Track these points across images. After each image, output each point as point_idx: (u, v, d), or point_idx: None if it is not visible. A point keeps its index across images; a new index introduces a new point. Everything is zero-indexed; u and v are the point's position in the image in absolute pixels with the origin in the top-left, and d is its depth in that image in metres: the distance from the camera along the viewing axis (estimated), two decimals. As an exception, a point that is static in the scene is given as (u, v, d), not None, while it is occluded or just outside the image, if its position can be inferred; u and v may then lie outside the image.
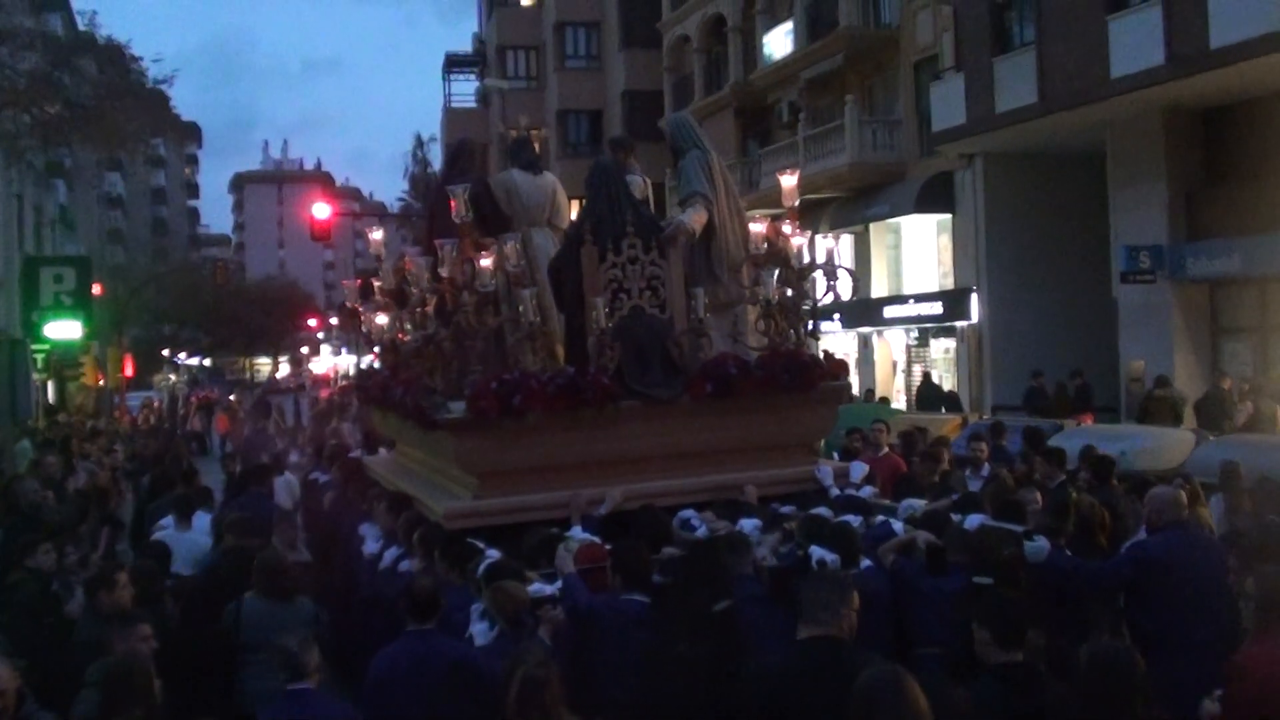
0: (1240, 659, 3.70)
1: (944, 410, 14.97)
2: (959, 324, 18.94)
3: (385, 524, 6.24)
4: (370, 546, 6.23)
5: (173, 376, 49.86)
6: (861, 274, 20.59)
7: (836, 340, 20.87)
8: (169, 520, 7.21)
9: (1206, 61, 12.35)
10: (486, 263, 5.78)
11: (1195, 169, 14.67)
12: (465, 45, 42.83)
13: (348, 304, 8.51)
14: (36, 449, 12.01)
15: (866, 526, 5.48)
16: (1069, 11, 14.47)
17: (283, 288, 63.91)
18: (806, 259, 6.29)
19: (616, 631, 4.48)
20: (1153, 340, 14.71)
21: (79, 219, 36.45)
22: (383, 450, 9.18)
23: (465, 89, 40.26)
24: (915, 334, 21.39)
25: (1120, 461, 7.58)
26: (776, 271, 6.23)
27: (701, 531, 5.49)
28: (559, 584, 4.66)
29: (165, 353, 49.28)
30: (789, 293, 6.25)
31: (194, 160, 74.81)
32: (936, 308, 19.45)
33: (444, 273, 5.90)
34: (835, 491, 6.15)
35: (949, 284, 19.57)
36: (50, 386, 23.71)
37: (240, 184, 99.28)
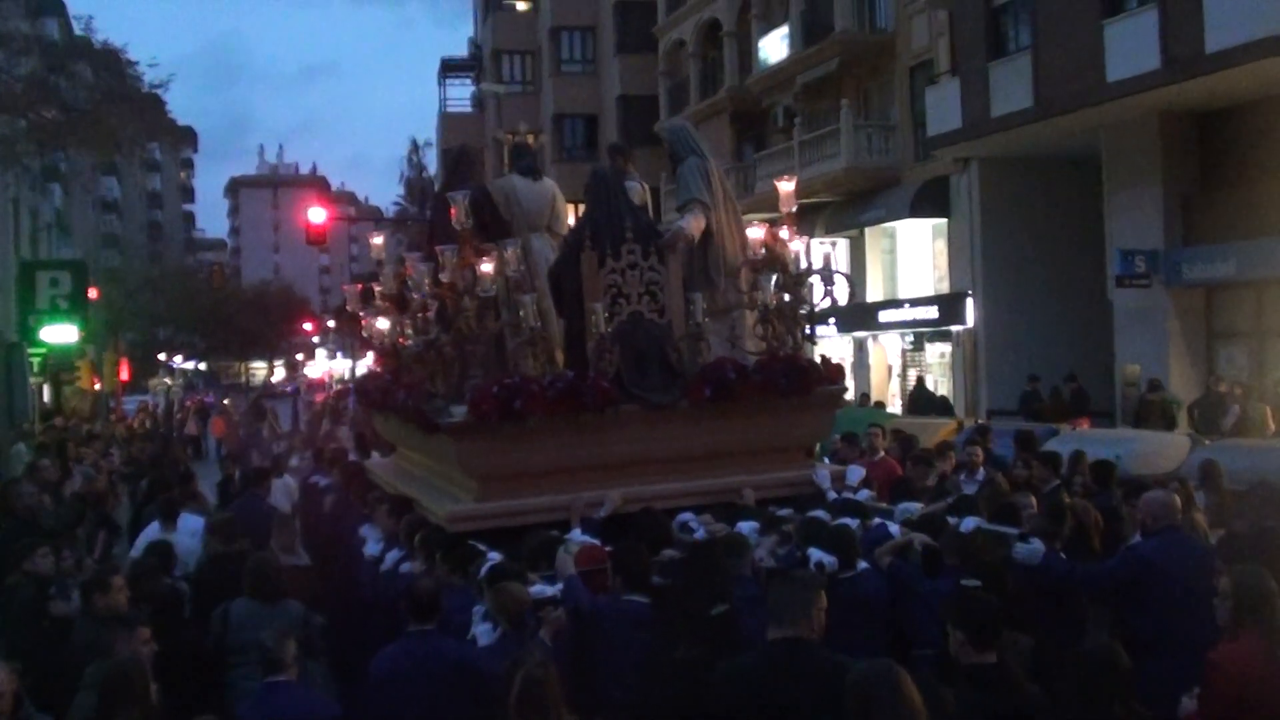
0: (1215, 657, 3.74)
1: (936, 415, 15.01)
2: (954, 328, 19.01)
3: (386, 526, 6.28)
4: (371, 548, 6.26)
5: (168, 380, 49.77)
6: (857, 278, 20.63)
7: (832, 345, 20.92)
8: (154, 526, 7.17)
9: (1202, 65, 12.40)
10: (487, 268, 5.82)
11: (1191, 173, 14.75)
12: (461, 50, 42.98)
13: (349, 308, 8.54)
14: (33, 452, 12.01)
15: (863, 529, 5.52)
16: (1064, 16, 14.55)
17: (278, 292, 63.90)
18: (804, 264, 6.34)
19: (617, 632, 4.52)
20: (1148, 344, 14.77)
21: (75, 223, 36.45)
22: (375, 454, 9.21)
23: (461, 94, 40.47)
24: (911, 338, 21.46)
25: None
26: (774, 277, 6.27)
27: (700, 534, 5.53)
28: (560, 586, 4.69)
29: (161, 357, 49.21)
30: (786, 298, 6.29)
31: (190, 164, 74.78)
32: (932, 312, 19.52)
33: (445, 278, 5.94)
34: (833, 495, 6.19)
35: (944, 288, 19.65)
36: (46, 390, 23.67)
37: (236, 188, 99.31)
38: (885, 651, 4.36)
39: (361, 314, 8.14)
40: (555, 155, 30.79)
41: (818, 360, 6.56)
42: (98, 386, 27.46)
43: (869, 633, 4.80)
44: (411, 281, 6.42)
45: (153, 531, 7.05)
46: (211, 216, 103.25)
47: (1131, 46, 13.27)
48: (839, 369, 6.71)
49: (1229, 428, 11.60)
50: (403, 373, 6.98)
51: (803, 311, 6.39)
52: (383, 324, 7.69)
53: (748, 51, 25.04)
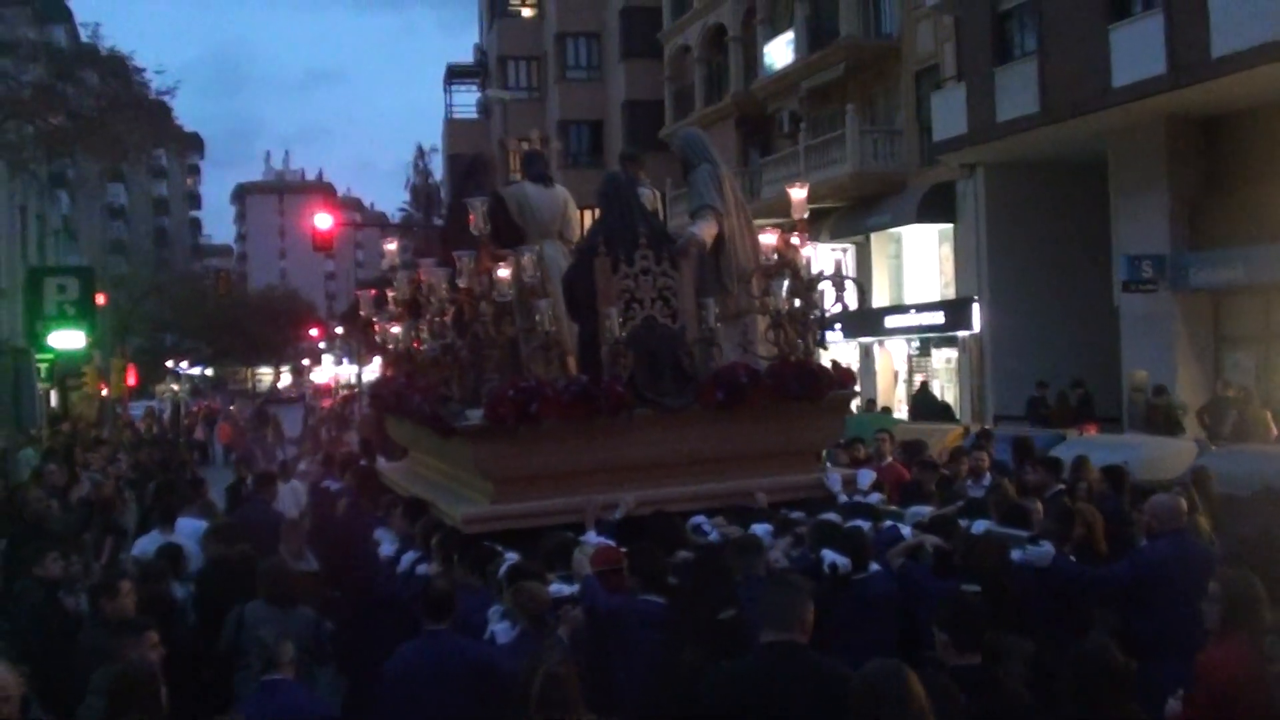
0: (1204, 659, 3.78)
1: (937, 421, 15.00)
2: (960, 334, 19.02)
3: (401, 528, 6.34)
4: (386, 550, 6.33)
5: (175, 386, 49.78)
6: (862, 284, 20.66)
7: (838, 350, 20.94)
8: (154, 533, 7.15)
9: (1208, 70, 12.41)
10: (504, 274, 5.90)
11: (1197, 178, 14.74)
12: (466, 56, 42.94)
13: (362, 314, 8.63)
14: (40, 458, 12.04)
15: (875, 531, 5.57)
16: (1070, 21, 14.59)
17: (284, 298, 63.95)
18: (815, 270, 6.41)
19: (632, 632, 4.57)
20: (1155, 350, 14.76)
21: (82, 230, 36.55)
22: (381, 459, 9.26)
23: (467, 100, 40.40)
24: (917, 344, 21.47)
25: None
26: (786, 282, 6.33)
27: (714, 537, 5.59)
28: (577, 585, 4.76)
29: (169, 363, 49.22)
30: (798, 303, 6.36)
31: (196, 171, 74.83)
32: (938, 317, 19.54)
33: (462, 283, 6.02)
34: (844, 499, 6.25)
35: (950, 294, 19.66)
36: (53, 396, 23.73)
37: (242, 194, 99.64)
38: (896, 652, 4.40)
39: (375, 319, 8.23)
40: (561, 161, 30.75)
41: (829, 365, 6.62)
42: (105, 392, 27.51)
43: (880, 633, 4.83)
44: (427, 286, 6.49)
45: (150, 538, 7.00)
46: (218, 223, 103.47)
47: (1137, 51, 13.30)
48: (850, 373, 6.77)
49: (1227, 432, 11.62)
50: (418, 377, 7.06)
51: (814, 316, 6.45)
52: (396, 329, 7.77)
53: (753, 57, 25.10)
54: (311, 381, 60.11)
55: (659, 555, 4.91)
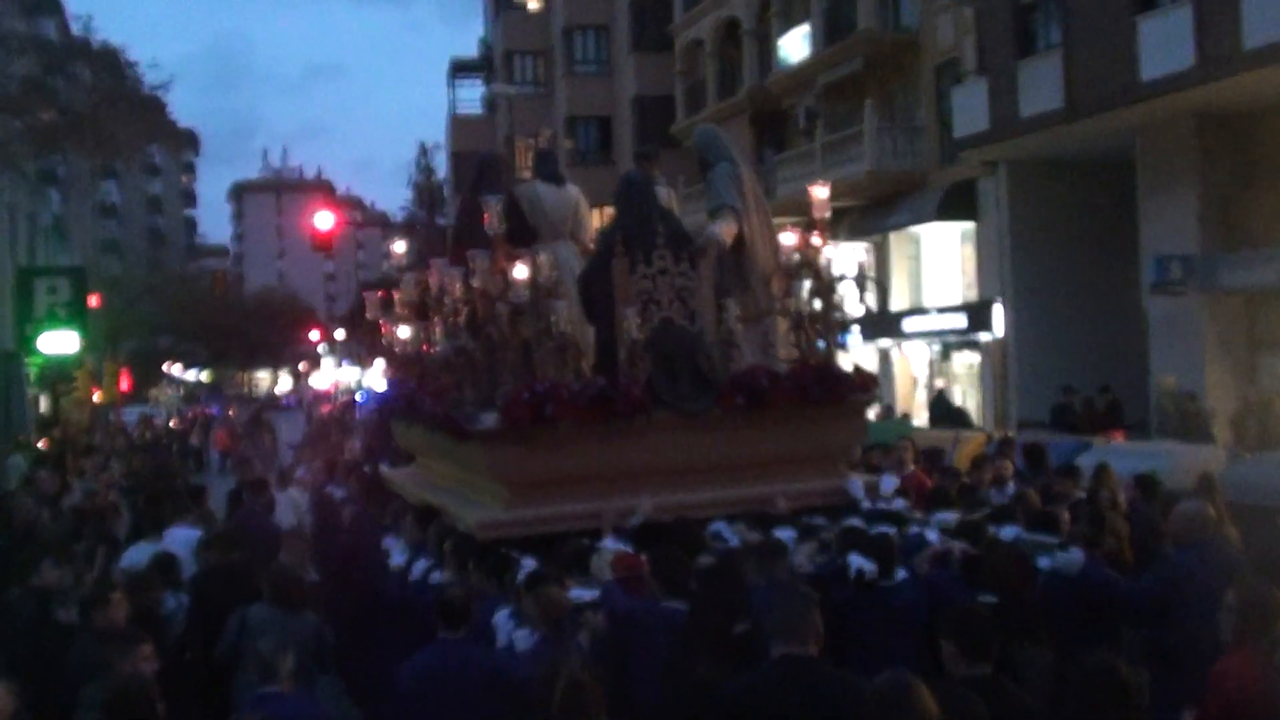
0: (1218, 669, 3.75)
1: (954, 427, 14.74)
2: (982, 337, 18.76)
3: (412, 536, 6.23)
4: (396, 559, 6.22)
5: (168, 391, 49.44)
6: (884, 284, 20.46)
7: (856, 354, 20.73)
8: (140, 545, 6.96)
9: (1239, 63, 12.14)
10: (520, 274, 5.78)
11: (1229, 175, 14.41)
12: (471, 50, 42.51)
13: (369, 316, 8.51)
14: (29, 465, 11.84)
15: (901, 537, 5.48)
16: (1095, 12, 14.31)
17: (282, 299, 63.28)
18: (837, 271, 6.28)
19: (653, 638, 4.51)
20: (1184, 354, 14.44)
21: (73, 229, 35.90)
22: (383, 465, 9.13)
23: (471, 95, 39.47)
24: (937, 347, 21.21)
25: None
26: (807, 283, 6.20)
27: (734, 543, 5.48)
28: (597, 591, 4.69)
29: (165, 367, 48.82)
30: (819, 304, 6.23)
31: (191, 168, 72.75)
32: (959, 320, 19.26)
33: (476, 283, 5.91)
34: (866, 504, 6.13)
35: (972, 295, 19.39)
36: (43, 401, 23.22)
37: (239, 193, 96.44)
38: (923, 661, 4.29)
39: (381, 321, 8.12)
40: (568, 159, 30.51)
41: (850, 368, 6.49)
42: (97, 397, 27.25)
43: (907, 642, 4.75)
44: (439, 287, 6.38)
45: (139, 549, 6.78)
46: (214, 222, 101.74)
47: (1166, 44, 13.03)
48: (872, 377, 6.66)
49: (1253, 439, 11.39)
50: (428, 380, 6.95)
51: (836, 318, 6.31)
52: (404, 332, 7.65)
53: (768, 51, 24.80)
54: (310, 387, 59.10)
55: (682, 560, 4.84)
